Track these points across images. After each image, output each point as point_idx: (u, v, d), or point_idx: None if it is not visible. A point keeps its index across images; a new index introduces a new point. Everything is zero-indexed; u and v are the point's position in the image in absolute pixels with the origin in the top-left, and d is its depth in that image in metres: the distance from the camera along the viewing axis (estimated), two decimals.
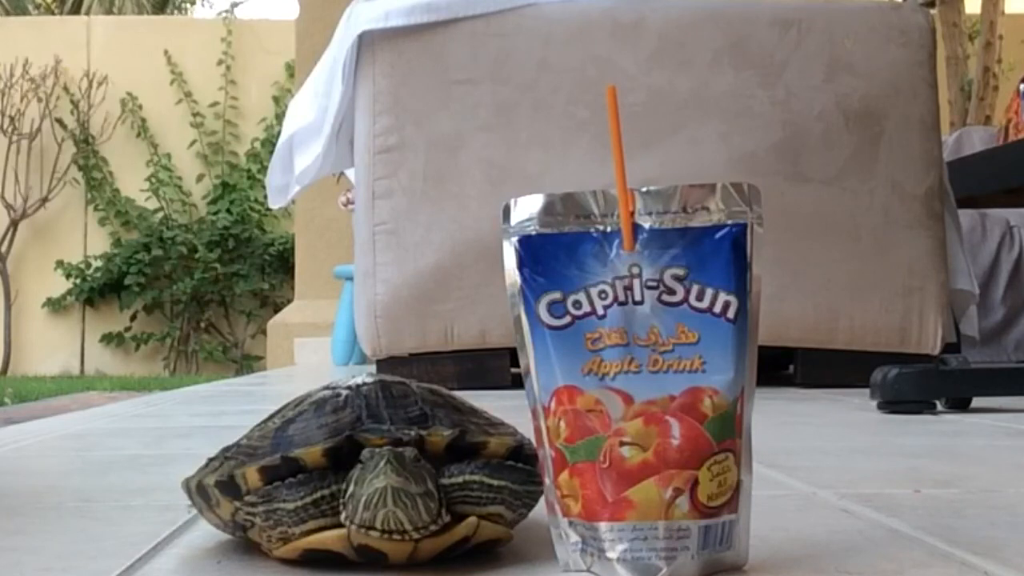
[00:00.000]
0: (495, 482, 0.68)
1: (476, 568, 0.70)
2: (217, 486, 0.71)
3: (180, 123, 8.62)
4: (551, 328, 0.67)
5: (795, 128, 2.72)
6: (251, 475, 0.69)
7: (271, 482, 0.68)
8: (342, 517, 0.66)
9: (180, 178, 8.67)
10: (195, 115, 8.63)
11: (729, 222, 0.68)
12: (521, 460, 0.71)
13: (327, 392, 0.73)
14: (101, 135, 8.59)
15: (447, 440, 0.69)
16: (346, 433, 0.68)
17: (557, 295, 0.67)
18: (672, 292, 0.66)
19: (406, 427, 0.69)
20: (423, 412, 0.71)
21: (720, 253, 0.67)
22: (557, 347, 0.67)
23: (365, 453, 0.65)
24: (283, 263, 8.23)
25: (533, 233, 0.69)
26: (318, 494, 0.66)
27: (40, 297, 8.52)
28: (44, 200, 8.52)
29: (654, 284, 0.66)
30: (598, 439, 0.65)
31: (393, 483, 0.63)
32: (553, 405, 0.67)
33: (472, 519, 0.67)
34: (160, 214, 8.63)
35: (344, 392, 0.72)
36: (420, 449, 0.67)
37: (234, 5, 9.14)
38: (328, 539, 0.66)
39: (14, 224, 8.51)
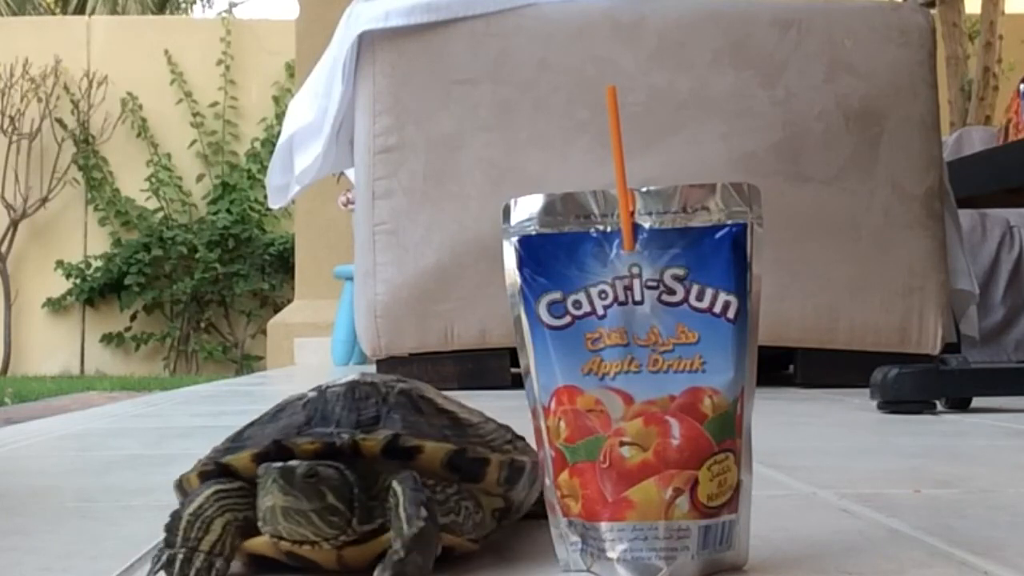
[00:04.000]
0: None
1: (476, 568, 0.70)
2: (176, 489, 0.72)
3: (180, 123, 8.62)
4: (551, 328, 0.67)
5: (795, 128, 2.72)
6: (192, 480, 0.70)
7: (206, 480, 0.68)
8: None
9: (180, 178, 8.67)
10: (195, 115, 8.63)
11: (729, 222, 0.68)
12: (457, 467, 0.68)
13: (299, 394, 0.73)
14: (101, 135, 8.60)
15: (381, 444, 0.67)
16: (273, 438, 0.68)
17: (557, 295, 0.67)
18: (672, 292, 0.66)
19: (350, 430, 0.68)
20: (377, 414, 0.70)
21: (720, 253, 0.67)
22: (557, 347, 0.67)
23: (259, 469, 0.64)
24: (283, 263, 8.24)
25: (533, 233, 0.69)
26: (214, 487, 0.67)
27: (40, 297, 8.53)
28: (44, 200, 8.52)
29: (654, 284, 0.66)
30: (598, 439, 0.65)
31: (280, 503, 0.63)
32: (553, 405, 0.67)
33: None
34: (160, 214, 8.63)
35: (311, 394, 0.72)
36: (356, 452, 0.67)
37: (233, 5, 9.15)
38: (261, 545, 0.66)
39: (14, 224, 8.51)
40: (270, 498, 0.63)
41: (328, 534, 0.64)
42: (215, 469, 0.68)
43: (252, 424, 0.72)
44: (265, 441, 0.68)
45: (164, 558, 0.64)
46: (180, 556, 0.64)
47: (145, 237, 8.51)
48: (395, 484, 0.65)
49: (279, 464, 0.63)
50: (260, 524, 0.65)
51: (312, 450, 0.67)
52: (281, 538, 0.65)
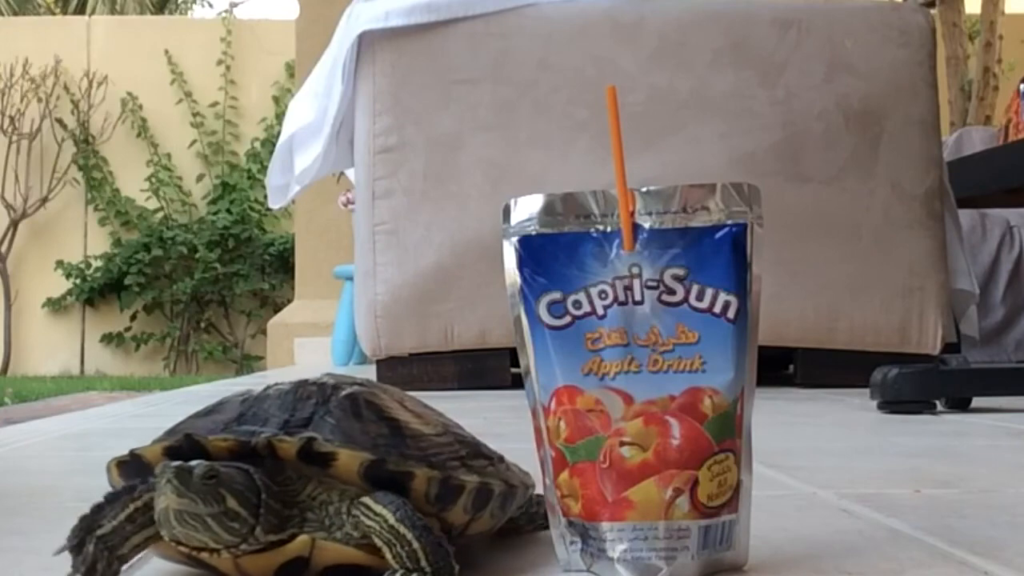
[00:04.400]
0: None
1: (475, 569, 0.70)
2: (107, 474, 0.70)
3: (180, 123, 8.62)
4: (551, 328, 0.67)
5: (795, 128, 2.72)
6: (112, 470, 0.67)
7: (128, 477, 0.66)
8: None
9: (180, 178, 8.68)
10: (195, 115, 8.63)
11: (729, 222, 0.68)
12: (376, 479, 0.63)
13: (244, 391, 0.71)
14: (101, 135, 8.60)
15: (296, 447, 0.63)
16: (184, 432, 0.65)
17: (557, 295, 0.67)
18: (672, 292, 0.66)
19: (273, 430, 0.64)
20: (310, 417, 0.66)
21: (720, 253, 0.67)
22: (557, 347, 0.67)
23: (158, 468, 0.61)
24: (283, 263, 8.24)
25: (533, 233, 0.69)
26: (131, 508, 0.63)
27: (40, 297, 8.53)
28: (44, 200, 8.52)
29: (654, 284, 0.66)
30: (598, 439, 0.65)
31: (174, 505, 0.59)
32: (553, 405, 0.67)
33: (305, 538, 0.62)
34: (160, 214, 8.64)
35: (257, 391, 0.70)
36: (273, 455, 0.63)
37: (234, 5, 9.16)
38: (164, 547, 0.63)
39: (14, 224, 8.51)
40: (163, 499, 0.59)
41: (228, 541, 0.60)
42: (130, 460, 0.66)
43: (189, 418, 0.69)
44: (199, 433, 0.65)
45: (84, 557, 0.62)
46: (101, 562, 0.62)
47: (145, 237, 8.51)
48: (372, 504, 0.62)
49: (176, 463, 0.59)
50: (158, 526, 0.61)
51: (225, 448, 0.63)
52: (180, 543, 0.61)
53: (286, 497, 0.63)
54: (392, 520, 0.61)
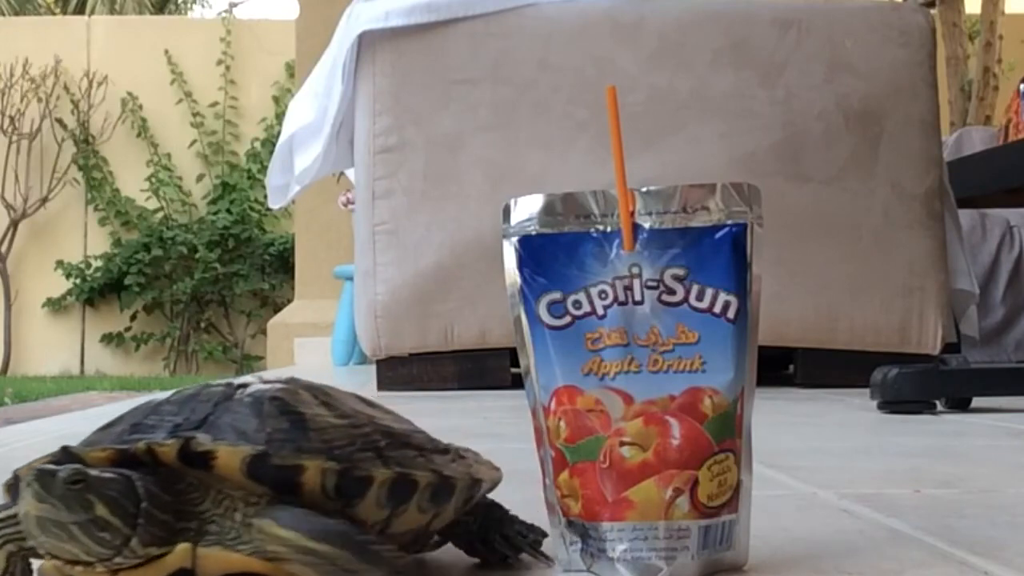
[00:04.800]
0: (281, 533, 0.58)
1: (475, 569, 0.70)
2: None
3: (180, 123, 8.63)
4: (551, 328, 0.67)
5: (795, 128, 2.72)
6: (4, 494, 0.64)
7: (16, 498, 0.62)
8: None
9: (180, 178, 8.68)
10: (195, 115, 8.63)
11: (729, 222, 0.68)
12: (261, 476, 0.58)
13: (154, 398, 0.68)
14: (101, 135, 8.60)
15: (175, 449, 0.58)
16: (62, 446, 0.62)
17: (557, 295, 0.67)
18: (672, 292, 0.66)
19: (165, 435, 0.60)
20: (205, 418, 0.61)
21: (720, 253, 0.67)
22: (557, 347, 0.67)
23: (22, 474, 0.58)
24: (283, 263, 8.24)
25: (533, 233, 0.69)
26: None
27: (40, 297, 8.53)
28: (44, 200, 8.52)
29: (654, 284, 0.66)
30: (598, 439, 0.65)
31: (34, 511, 0.55)
32: (553, 405, 0.67)
33: (184, 547, 0.57)
34: (160, 214, 8.64)
35: (164, 396, 0.66)
36: (156, 461, 0.59)
37: (233, 5, 9.16)
38: (46, 567, 0.59)
39: (14, 224, 8.51)
40: (24, 505, 0.55)
41: (100, 553, 0.56)
42: (14, 481, 0.61)
43: (93, 432, 0.65)
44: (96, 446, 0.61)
45: None
46: None
47: (145, 237, 8.51)
48: (277, 529, 0.57)
49: (39, 467, 0.55)
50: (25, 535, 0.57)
51: (105, 458, 0.59)
52: (54, 556, 0.57)
53: (181, 507, 0.59)
54: (305, 540, 0.56)
